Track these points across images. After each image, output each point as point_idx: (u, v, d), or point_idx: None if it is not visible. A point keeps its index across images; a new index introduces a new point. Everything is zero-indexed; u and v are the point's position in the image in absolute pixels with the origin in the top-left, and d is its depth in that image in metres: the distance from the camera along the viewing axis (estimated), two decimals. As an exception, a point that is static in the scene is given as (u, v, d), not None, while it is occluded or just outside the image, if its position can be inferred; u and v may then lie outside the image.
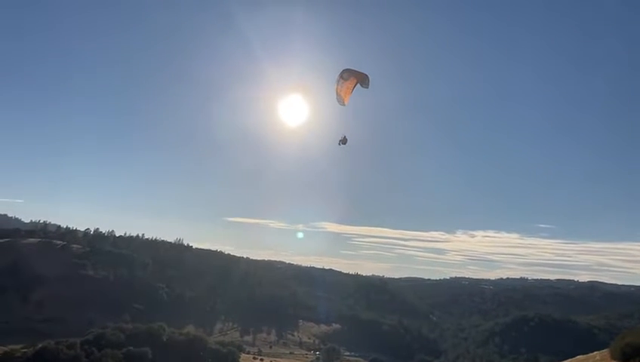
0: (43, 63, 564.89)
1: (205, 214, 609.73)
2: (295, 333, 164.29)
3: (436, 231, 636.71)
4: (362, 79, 33.99)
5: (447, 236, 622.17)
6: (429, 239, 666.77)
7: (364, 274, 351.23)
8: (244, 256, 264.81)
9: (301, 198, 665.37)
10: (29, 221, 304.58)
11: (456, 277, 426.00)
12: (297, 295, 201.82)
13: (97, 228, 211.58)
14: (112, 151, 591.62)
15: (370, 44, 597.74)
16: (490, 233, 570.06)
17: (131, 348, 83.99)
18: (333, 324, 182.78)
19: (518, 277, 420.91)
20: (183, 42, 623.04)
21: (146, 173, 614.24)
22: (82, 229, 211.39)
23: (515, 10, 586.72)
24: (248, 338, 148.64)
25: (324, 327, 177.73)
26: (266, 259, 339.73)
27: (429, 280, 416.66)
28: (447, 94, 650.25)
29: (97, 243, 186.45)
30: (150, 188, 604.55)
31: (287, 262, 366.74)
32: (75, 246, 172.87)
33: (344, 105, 35.76)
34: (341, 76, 34.17)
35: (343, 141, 38.28)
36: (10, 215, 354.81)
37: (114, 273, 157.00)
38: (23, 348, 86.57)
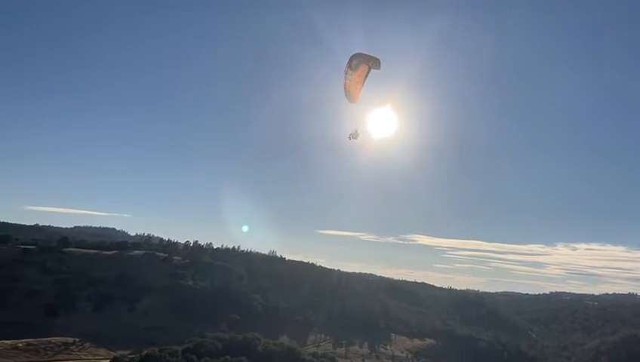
0: (150, 78, 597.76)
1: (297, 227, 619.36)
2: (388, 347, 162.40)
3: (534, 243, 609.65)
4: (373, 63, 29.65)
5: (546, 249, 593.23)
6: (527, 252, 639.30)
7: (457, 288, 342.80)
8: (336, 269, 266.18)
9: (391, 211, 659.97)
10: (134, 234, 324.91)
11: (556, 292, 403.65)
12: (389, 308, 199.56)
13: (196, 241, 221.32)
14: (209, 167, 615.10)
15: (462, 49, 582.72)
16: (594, 245, 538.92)
17: (228, 357, 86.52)
18: (427, 339, 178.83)
19: (626, 292, 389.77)
20: (270, 54, 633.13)
21: (241, 187, 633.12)
22: (182, 242, 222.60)
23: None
24: (341, 350, 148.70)
25: (417, 342, 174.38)
26: (357, 271, 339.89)
27: (526, 294, 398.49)
28: (547, 101, 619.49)
29: (196, 255, 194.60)
30: (244, 202, 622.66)
31: (378, 274, 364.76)
32: (176, 257, 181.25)
33: (355, 102, 31.91)
34: (349, 66, 29.69)
35: (354, 135, 35.13)
36: (117, 228, 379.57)
37: (212, 284, 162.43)
38: (130, 354, 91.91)
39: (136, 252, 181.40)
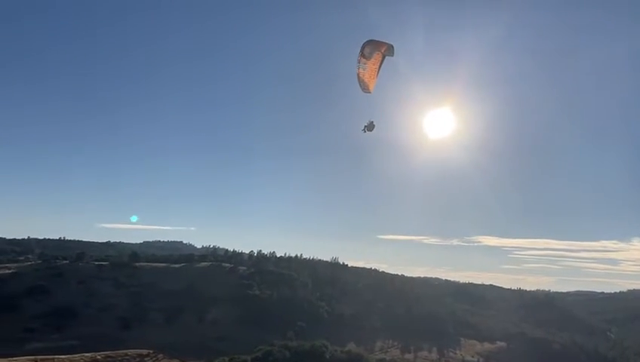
0: (209, 90, 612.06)
1: (358, 232, 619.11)
2: (457, 352, 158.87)
3: (607, 240, 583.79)
4: (387, 50, 28.23)
5: (620, 245, 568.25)
6: (600, 249, 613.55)
7: (528, 289, 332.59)
8: (399, 274, 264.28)
9: (454, 212, 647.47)
10: (200, 246, 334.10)
11: (634, 290, 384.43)
12: (457, 312, 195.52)
13: (260, 250, 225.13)
14: (269, 178, 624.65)
15: (525, 48, 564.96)
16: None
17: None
18: (498, 342, 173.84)
19: None
20: (330, 55, 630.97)
21: (300, 195, 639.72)
22: (247, 252, 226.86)
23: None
24: (409, 356, 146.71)
25: (487, 345, 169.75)
26: (421, 276, 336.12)
27: (602, 293, 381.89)
28: (614, 94, 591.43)
29: (261, 264, 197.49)
30: (305, 209, 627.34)
31: (444, 278, 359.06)
32: (241, 267, 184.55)
33: (369, 92, 30.45)
34: (362, 54, 28.31)
35: (369, 127, 33.46)
36: (185, 241, 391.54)
37: (277, 292, 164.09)
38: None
39: (203, 264, 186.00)
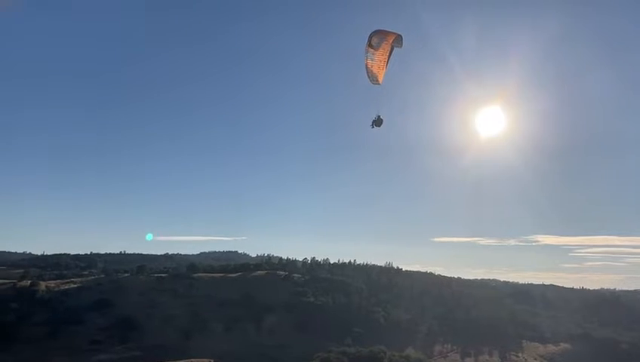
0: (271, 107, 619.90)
1: (412, 236, 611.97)
2: (519, 354, 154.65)
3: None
4: (395, 41, 26.98)
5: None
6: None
7: (591, 288, 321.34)
8: (456, 276, 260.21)
9: (510, 212, 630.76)
10: (255, 255, 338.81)
11: None
12: (517, 314, 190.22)
13: (314, 257, 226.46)
14: (320, 184, 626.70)
15: (581, 45, 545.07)
16: None
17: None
18: (562, 344, 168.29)
19: None
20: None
21: (352, 200, 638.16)
22: (300, 259, 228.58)
23: None
24: (469, 360, 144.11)
25: (551, 347, 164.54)
26: (478, 278, 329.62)
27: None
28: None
29: (315, 272, 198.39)
30: (357, 214, 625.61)
31: (502, 279, 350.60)
32: (295, 275, 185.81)
33: (379, 84, 29.05)
34: (369, 44, 27.14)
35: (377, 122, 32.06)
36: (239, 251, 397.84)
37: (332, 299, 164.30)
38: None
39: (258, 272, 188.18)
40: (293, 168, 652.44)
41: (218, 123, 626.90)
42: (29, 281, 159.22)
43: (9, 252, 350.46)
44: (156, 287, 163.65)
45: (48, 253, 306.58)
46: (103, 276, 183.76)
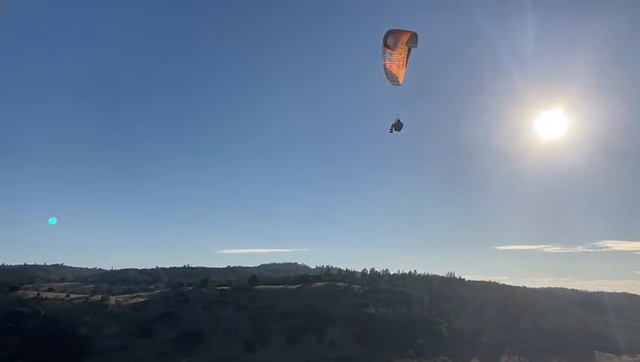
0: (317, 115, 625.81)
1: (474, 244, 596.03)
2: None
3: None
4: (410, 40, 25.70)
5: None
6: None
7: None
8: (521, 285, 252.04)
9: (576, 218, 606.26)
10: (314, 267, 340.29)
11: None
12: (587, 323, 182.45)
13: (373, 268, 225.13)
14: (377, 193, 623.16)
15: None
16: None
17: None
18: (638, 355, 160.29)
19: None
20: (431, 58, 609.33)
21: (410, 210, 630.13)
22: (360, 270, 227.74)
23: None
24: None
25: (626, 358, 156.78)
26: (544, 286, 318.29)
27: None
28: None
29: (375, 283, 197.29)
30: (417, 223, 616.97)
31: (570, 288, 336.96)
32: (355, 286, 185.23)
33: (399, 84, 27.92)
34: (385, 44, 26.06)
35: (397, 127, 30.37)
36: (299, 263, 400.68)
37: (393, 310, 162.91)
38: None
39: (318, 284, 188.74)
40: (353, 178, 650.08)
41: (278, 132, 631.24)
42: (100, 296, 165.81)
43: (80, 268, 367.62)
44: (219, 300, 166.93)
45: (116, 268, 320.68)
46: (168, 290, 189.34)
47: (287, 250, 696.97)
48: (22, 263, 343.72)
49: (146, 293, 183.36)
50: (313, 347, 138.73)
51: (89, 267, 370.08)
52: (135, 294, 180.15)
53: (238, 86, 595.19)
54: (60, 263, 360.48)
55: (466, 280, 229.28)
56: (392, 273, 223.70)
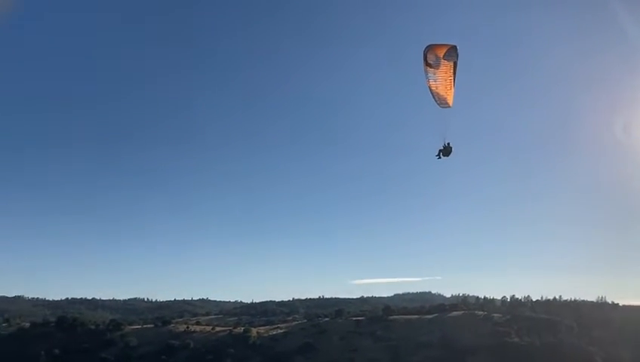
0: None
1: (627, 265, 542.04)
2: None
3: None
4: (447, 54, 22.89)
5: None
6: None
7: None
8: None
9: None
10: (449, 295, 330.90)
11: None
12: None
13: (513, 295, 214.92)
14: (513, 216, 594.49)
15: None
16: None
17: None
18: None
19: None
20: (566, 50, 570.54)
21: (552, 230, 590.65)
22: (499, 297, 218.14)
23: None
24: None
25: None
26: None
27: None
28: None
29: (516, 310, 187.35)
30: (559, 245, 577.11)
31: None
32: (495, 314, 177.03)
33: (448, 106, 24.89)
34: (426, 63, 23.16)
35: (445, 152, 26.88)
36: (433, 291, 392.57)
37: (539, 338, 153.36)
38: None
39: (455, 313, 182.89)
40: (482, 203, 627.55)
41: (407, 162, 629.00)
42: (242, 328, 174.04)
43: (223, 301, 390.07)
44: (355, 330, 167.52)
45: (256, 301, 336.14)
46: (305, 321, 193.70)
47: (419, 279, 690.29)
48: (172, 299, 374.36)
49: (285, 325, 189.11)
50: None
51: (231, 300, 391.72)
52: (274, 326, 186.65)
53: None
54: (205, 297, 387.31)
55: (620, 304, 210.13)
56: (534, 299, 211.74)
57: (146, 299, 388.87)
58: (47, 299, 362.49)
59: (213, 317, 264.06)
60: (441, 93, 25.02)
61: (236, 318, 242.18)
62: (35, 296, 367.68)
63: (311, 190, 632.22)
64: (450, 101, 25.44)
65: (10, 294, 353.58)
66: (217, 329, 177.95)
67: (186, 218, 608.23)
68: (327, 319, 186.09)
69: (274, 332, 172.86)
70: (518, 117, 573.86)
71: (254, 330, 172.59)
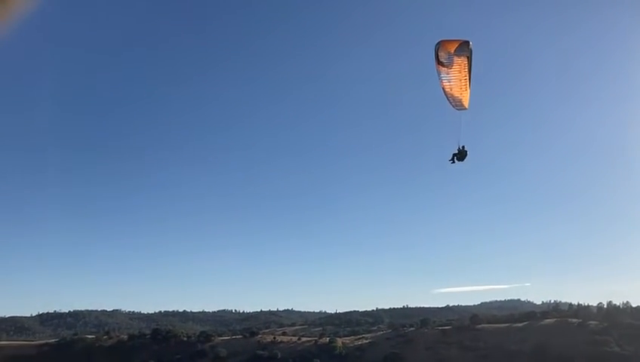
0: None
1: None
2: None
3: None
4: (458, 49, 21.12)
5: None
6: None
7: None
8: None
9: None
10: (540, 302, 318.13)
11: None
12: None
13: (610, 301, 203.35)
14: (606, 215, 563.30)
15: None
16: None
17: None
18: None
19: None
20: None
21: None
22: (594, 304, 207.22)
23: None
24: None
25: None
26: None
27: None
28: None
29: (614, 317, 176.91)
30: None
31: None
32: (591, 322, 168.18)
33: (464, 108, 23.01)
34: (438, 62, 21.34)
35: (460, 155, 25.00)
36: (522, 299, 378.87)
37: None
38: None
39: (547, 320, 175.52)
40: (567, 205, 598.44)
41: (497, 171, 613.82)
42: (328, 338, 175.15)
43: (308, 311, 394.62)
44: (442, 340, 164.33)
45: (340, 311, 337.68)
46: (390, 331, 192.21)
47: (506, 286, 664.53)
48: (258, 309, 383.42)
49: (370, 334, 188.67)
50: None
51: (315, 310, 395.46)
52: (360, 336, 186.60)
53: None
54: (290, 308, 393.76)
55: None
56: (634, 305, 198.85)
57: (233, 311, 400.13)
58: (142, 312, 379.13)
59: (298, 327, 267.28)
60: (456, 94, 23.61)
61: (321, 328, 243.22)
62: (132, 310, 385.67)
63: (393, 200, 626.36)
64: (466, 102, 24.09)
65: (109, 308, 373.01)
66: (303, 339, 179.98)
67: (270, 231, 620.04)
68: (412, 328, 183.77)
69: (359, 343, 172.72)
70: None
71: (340, 340, 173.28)
